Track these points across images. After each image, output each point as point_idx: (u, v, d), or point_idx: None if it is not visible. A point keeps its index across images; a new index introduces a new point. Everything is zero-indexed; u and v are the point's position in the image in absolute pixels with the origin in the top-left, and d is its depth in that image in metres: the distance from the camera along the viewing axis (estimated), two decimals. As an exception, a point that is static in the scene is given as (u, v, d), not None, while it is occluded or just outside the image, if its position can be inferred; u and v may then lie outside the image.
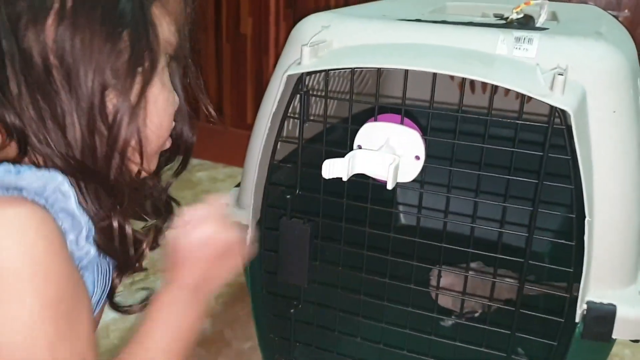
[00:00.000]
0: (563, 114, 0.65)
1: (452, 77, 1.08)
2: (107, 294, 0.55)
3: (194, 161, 2.05)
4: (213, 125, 1.85)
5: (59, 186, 0.47)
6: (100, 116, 0.48)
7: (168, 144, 0.57)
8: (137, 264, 0.56)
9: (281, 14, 1.67)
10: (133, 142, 0.50)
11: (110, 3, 0.48)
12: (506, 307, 0.78)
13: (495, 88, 0.67)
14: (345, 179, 0.67)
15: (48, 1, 0.46)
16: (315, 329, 0.82)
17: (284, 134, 0.81)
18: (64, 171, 0.48)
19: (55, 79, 0.47)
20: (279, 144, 0.79)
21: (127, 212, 0.53)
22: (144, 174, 0.54)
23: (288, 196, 0.76)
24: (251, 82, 1.79)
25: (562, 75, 0.63)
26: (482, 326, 0.76)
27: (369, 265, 0.78)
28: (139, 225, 0.58)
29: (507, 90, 0.77)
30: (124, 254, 0.53)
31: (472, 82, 1.10)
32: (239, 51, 1.76)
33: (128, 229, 0.53)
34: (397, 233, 0.75)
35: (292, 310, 0.81)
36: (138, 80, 0.50)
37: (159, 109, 0.53)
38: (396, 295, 0.78)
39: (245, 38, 1.74)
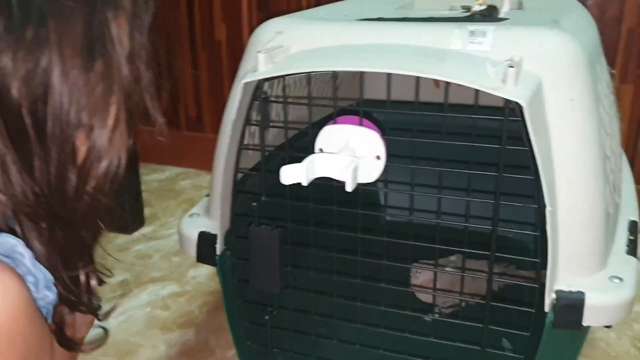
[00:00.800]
0: (518, 105, 0.64)
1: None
2: (59, 330, 0.53)
3: (177, 170, 2.03)
4: (195, 133, 1.85)
5: (13, 248, 0.45)
6: (73, 157, 0.44)
7: None
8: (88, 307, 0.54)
9: (254, 17, 1.66)
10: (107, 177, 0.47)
11: (84, 27, 0.43)
12: (483, 301, 0.78)
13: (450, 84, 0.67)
14: (305, 183, 0.67)
15: (23, 27, 0.40)
16: (292, 334, 0.82)
17: (255, 141, 0.81)
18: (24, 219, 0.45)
19: (25, 118, 0.42)
20: (249, 152, 0.79)
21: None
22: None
23: (254, 203, 0.76)
24: (228, 88, 1.77)
25: (513, 67, 0.63)
26: (456, 321, 0.76)
27: (347, 268, 0.78)
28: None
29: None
30: (88, 303, 0.52)
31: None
32: (215, 58, 1.76)
33: (93, 283, 0.51)
34: (380, 234, 0.74)
35: (266, 317, 0.81)
36: (112, 114, 0.46)
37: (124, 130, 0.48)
38: (378, 296, 0.77)
39: (220, 44, 1.74)
